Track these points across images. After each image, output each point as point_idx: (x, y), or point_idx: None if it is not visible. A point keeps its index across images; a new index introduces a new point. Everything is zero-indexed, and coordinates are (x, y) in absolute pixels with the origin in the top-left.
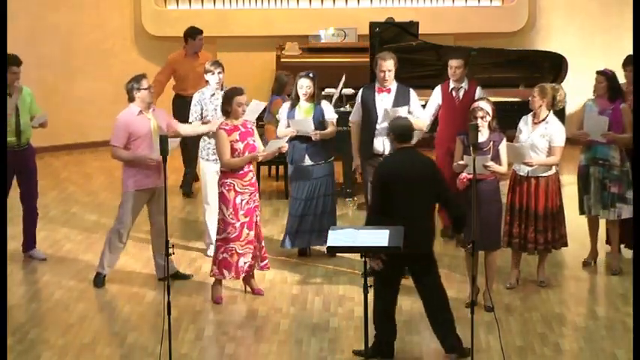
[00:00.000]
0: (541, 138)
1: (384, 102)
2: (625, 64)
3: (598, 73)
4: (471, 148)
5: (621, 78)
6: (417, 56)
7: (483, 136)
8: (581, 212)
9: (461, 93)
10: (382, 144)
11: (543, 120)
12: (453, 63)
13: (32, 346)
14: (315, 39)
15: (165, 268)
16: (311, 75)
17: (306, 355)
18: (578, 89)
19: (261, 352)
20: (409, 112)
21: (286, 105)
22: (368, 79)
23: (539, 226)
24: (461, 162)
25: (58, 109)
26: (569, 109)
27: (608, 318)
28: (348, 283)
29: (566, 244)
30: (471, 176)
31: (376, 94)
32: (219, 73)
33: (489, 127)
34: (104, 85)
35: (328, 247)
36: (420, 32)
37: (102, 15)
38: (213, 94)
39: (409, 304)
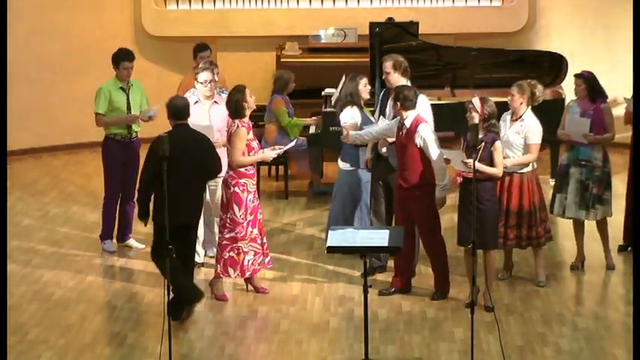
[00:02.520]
0: (516, 135)
1: None
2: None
3: (576, 76)
4: (463, 148)
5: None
6: (417, 56)
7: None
8: (551, 211)
9: (403, 130)
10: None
11: (520, 117)
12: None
13: (32, 346)
14: (315, 39)
15: (166, 268)
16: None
17: (306, 355)
18: None
19: (261, 352)
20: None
21: (354, 111)
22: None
23: (510, 222)
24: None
25: (58, 109)
26: None
27: (608, 318)
28: (348, 283)
29: (551, 239)
30: (468, 175)
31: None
32: (217, 73)
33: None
34: None
35: (328, 247)
36: (420, 32)
37: (102, 15)
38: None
39: (409, 304)
